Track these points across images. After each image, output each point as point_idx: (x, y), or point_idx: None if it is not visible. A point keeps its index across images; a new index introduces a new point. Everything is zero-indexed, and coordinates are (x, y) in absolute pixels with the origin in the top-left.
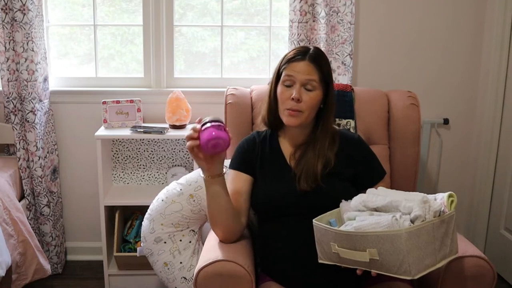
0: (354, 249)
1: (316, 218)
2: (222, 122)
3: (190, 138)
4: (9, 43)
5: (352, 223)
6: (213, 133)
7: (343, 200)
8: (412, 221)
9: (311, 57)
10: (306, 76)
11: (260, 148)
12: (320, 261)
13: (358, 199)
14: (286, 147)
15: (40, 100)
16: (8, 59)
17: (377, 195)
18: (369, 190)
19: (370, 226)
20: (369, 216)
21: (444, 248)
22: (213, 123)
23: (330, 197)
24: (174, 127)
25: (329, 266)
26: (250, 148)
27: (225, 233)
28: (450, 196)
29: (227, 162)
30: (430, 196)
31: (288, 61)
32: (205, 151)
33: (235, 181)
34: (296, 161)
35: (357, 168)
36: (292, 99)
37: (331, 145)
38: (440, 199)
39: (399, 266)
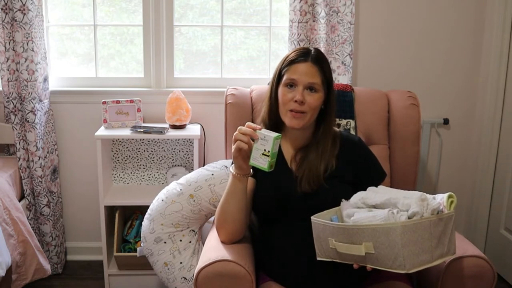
0: (350, 243)
1: (314, 215)
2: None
3: (244, 141)
4: (9, 43)
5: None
6: None
7: (343, 200)
8: (409, 218)
9: (313, 58)
10: (309, 79)
11: None
12: (318, 258)
13: (358, 196)
14: (287, 150)
15: (40, 100)
16: (8, 59)
17: (376, 192)
18: (369, 188)
19: (366, 220)
20: (367, 212)
21: (441, 247)
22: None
23: (331, 198)
24: (174, 127)
25: (329, 267)
26: None
27: (230, 234)
28: (449, 196)
29: (228, 162)
30: (429, 196)
31: (290, 63)
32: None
33: None
34: (298, 164)
35: (357, 171)
36: (295, 101)
37: (332, 147)
38: (439, 199)
39: (393, 260)
